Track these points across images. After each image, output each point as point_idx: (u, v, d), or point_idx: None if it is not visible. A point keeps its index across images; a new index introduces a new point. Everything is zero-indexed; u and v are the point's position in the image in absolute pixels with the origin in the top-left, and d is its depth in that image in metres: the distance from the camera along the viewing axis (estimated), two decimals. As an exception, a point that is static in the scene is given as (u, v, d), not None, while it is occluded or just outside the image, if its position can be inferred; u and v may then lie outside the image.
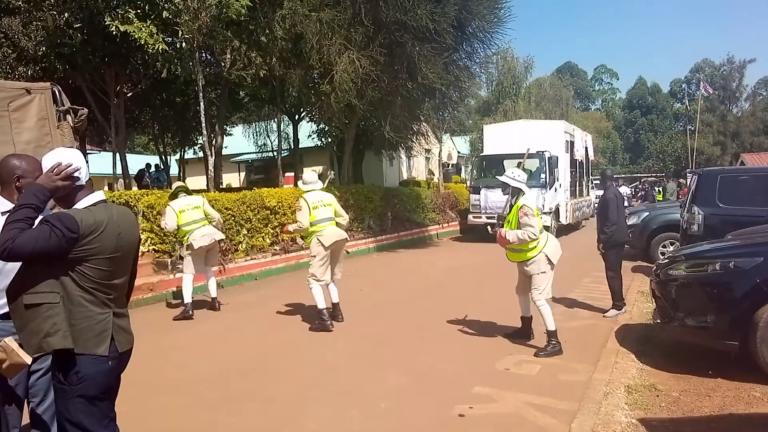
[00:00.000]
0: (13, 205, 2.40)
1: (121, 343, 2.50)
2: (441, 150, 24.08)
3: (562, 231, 17.63)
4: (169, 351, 6.04)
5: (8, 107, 4.24)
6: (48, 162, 2.45)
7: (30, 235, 2.22)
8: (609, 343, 5.99)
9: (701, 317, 5.00)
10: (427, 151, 25.02)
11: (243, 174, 31.33)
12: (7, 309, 2.65)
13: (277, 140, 19.43)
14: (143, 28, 10.09)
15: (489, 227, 14.60)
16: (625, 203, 10.36)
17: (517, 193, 5.86)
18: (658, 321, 5.55)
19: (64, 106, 4.51)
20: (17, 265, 2.38)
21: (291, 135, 22.23)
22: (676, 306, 5.26)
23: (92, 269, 2.35)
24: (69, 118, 4.51)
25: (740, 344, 4.73)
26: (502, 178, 6.00)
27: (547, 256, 5.70)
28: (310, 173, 7.38)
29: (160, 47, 10.21)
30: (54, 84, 4.61)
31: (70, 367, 2.34)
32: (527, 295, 5.97)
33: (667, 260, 5.89)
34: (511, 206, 5.87)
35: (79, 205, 2.45)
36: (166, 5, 10.66)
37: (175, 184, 8.31)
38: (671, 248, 11.13)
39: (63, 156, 2.46)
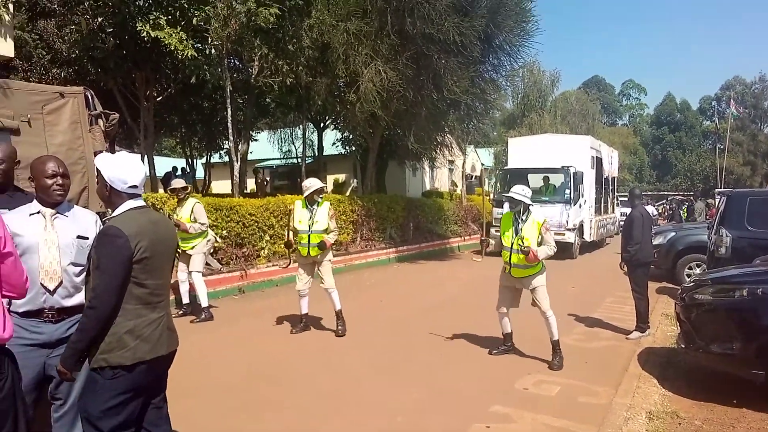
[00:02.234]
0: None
1: (174, 341, 2.67)
2: (465, 162, 24.02)
3: (585, 248, 17.43)
4: (189, 355, 6.07)
5: (42, 110, 4.33)
6: (105, 164, 2.56)
7: (101, 295, 2.38)
8: (631, 366, 5.88)
9: (727, 344, 4.89)
10: (451, 162, 24.97)
11: (267, 179, 31.56)
12: (27, 307, 2.71)
13: (301, 147, 19.55)
14: (173, 34, 10.26)
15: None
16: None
17: (526, 208, 5.83)
18: (683, 346, 5.44)
19: (96, 110, 4.60)
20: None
21: (315, 142, 22.37)
22: (701, 331, 5.15)
23: (140, 275, 2.47)
24: (100, 122, 4.59)
25: (766, 374, 4.60)
26: (513, 195, 5.82)
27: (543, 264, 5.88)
28: (308, 179, 7.19)
29: (190, 53, 10.37)
30: (87, 88, 4.70)
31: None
32: (508, 309, 6.05)
33: (693, 284, 5.77)
34: (517, 221, 5.82)
35: (118, 210, 2.54)
36: (196, 12, 10.83)
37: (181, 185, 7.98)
38: (697, 270, 10.92)
39: (118, 162, 2.57)
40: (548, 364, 5.74)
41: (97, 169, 2.57)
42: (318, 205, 6.83)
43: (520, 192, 5.78)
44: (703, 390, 5.08)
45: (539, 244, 5.68)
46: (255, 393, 4.99)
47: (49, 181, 2.85)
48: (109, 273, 2.36)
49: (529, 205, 5.85)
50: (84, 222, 2.96)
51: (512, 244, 5.78)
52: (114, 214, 2.55)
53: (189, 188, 7.97)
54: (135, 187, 2.56)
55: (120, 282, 2.38)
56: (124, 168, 2.55)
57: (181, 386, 5.00)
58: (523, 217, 5.81)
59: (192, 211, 7.62)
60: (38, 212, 2.86)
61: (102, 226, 2.57)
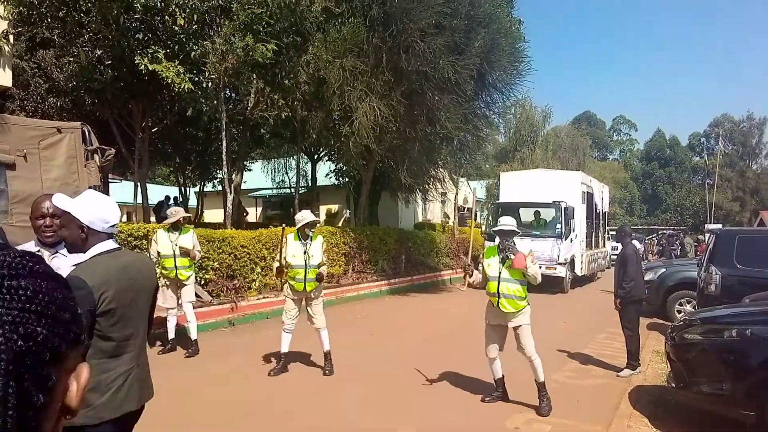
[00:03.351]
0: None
1: (148, 394, 2.56)
2: (457, 194, 24.16)
3: (576, 282, 17.47)
4: (175, 391, 6.00)
5: (39, 145, 4.39)
6: (81, 207, 2.39)
7: None
8: (622, 405, 5.87)
9: (717, 384, 4.90)
10: (443, 194, 25.12)
11: (260, 209, 31.59)
12: None
13: (295, 177, 19.66)
14: (171, 68, 10.38)
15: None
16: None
17: (511, 238, 5.70)
18: (673, 385, 5.44)
19: (92, 145, 4.66)
20: None
21: (309, 173, 22.50)
22: (692, 371, 5.16)
23: (106, 327, 2.32)
24: (96, 157, 4.65)
25: (757, 414, 4.60)
26: (503, 227, 5.66)
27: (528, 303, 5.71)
28: (301, 212, 6.97)
29: (187, 86, 10.49)
30: (84, 124, 4.77)
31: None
32: (498, 352, 5.77)
33: (682, 323, 5.80)
34: (503, 251, 5.63)
35: (87, 254, 2.39)
36: (194, 47, 10.99)
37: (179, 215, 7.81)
38: (688, 307, 10.97)
39: (96, 202, 2.44)
40: (536, 410, 5.53)
41: (69, 215, 2.37)
42: (312, 239, 6.68)
43: (508, 223, 5.71)
44: (694, 430, 5.07)
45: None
46: (243, 429, 4.93)
47: (38, 222, 2.86)
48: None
49: (517, 233, 5.75)
50: (66, 267, 2.91)
51: (500, 273, 5.58)
52: (82, 259, 2.39)
53: (190, 217, 7.92)
54: (113, 226, 2.44)
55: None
56: (105, 208, 2.41)
57: (164, 421, 4.95)
58: (510, 249, 5.60)
59: (193, 239, 7.62)
60: (38, 251, 2.87)
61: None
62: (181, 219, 7.63)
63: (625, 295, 7.22)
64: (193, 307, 7.93)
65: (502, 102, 16.45)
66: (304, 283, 6.62)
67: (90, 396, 2.24)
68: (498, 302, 5.60)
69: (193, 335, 7.69)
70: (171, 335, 7.77)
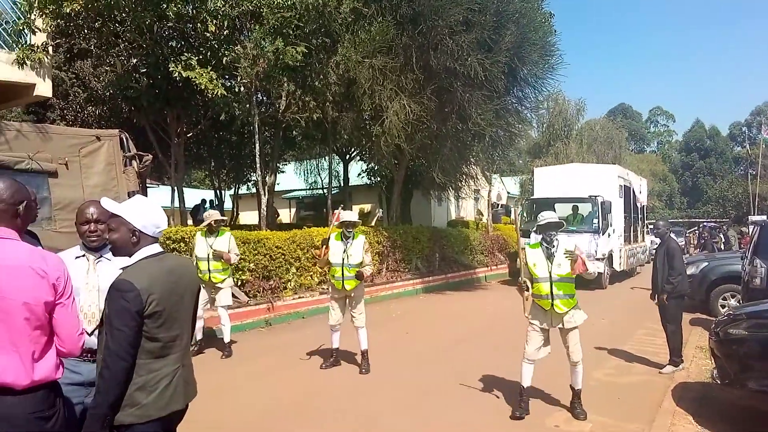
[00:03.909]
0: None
1: (191, 393, 2.61)
2: (490, 191, 23.97)
3: (615, 278, 17.14)
4: (213, 392, 6.10)
5: (79, 153, 4.52)
6: (134, 213, 2.47)
7: (114, 355, 2.27)
8: (665, 402, 5.73)
9: (763, 381, 4.75)
10: (476, 191, 24.95)
11: (293, 210, 31.92)
12: None
13: (327, 178, 19.80)
14: (204, 74, 10.56)
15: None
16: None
17: (557, 231, 5.39)
18: (718, 381, 5.29)
19: (130, 152, 4.78)
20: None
21: (341, 173, 22.63)
22: (737, 367, 5.02)
23: (153, 329, 2.38)
24: (134, 163, 4.77)
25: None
26: (548, 220, 5.32)
27: None
28: (345, 212, 7.13)
29: (220, 92, 10.66)
30: (122, 131, 4.89)
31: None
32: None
33: (726, 318, 5.64)
34: (549, 248, 5.31)
35: (134, 257, 2.46)
36: (226, 52, 11.17)
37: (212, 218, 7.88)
38: (732, 301, 10.65)
39: (148, 208, 2.52)
40: (572, 414, 5.28)
41: (120, 219, 2.44)
42: (353, 238, 6.77)
43: (551, 216, 5.36)
44: (740, 427, 4.93)
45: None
46: (279, 428, 4.99)
47: (83, 228, 2.96)
48: (121, 331, 2.25)
49: (562, 225, 5.39)
50: (112, 270, 2.98)
51: (550, 272, 5.21)
52: (129, 262, 2.46)
53: (225, 220, 7.97)
54: (161, 231, 2.53)
55: (132, 340, 2.28)
56: (155, 213, 2.50)
57: (203, 422, 5.04)
58: (555, 243, 5.31)
59: (229, 243, 7.66)
60: (83, 255, 2.97)
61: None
62: (213, 222, 7.68)
63: (672, 290, 7.04)
64: (228, 310, 8.02)
65: (534, 97, 16.26)
66: (342, 281, 6.69)
67: (137, 395, 2.32)
68: (552, 304, 5.21)
69: (227, 338, 7.78)
70: (199, 336, 7.78)
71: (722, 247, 24.38)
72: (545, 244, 5.35)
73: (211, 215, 7.83)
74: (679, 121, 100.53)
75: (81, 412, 2.80)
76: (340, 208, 7.34)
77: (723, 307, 10.57)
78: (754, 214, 38.49)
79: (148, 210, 2.50)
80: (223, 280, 7.71)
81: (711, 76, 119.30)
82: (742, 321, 5.23)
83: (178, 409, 2.49)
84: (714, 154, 69.60)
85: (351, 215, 6.97)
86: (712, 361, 5.68)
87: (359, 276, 6.72)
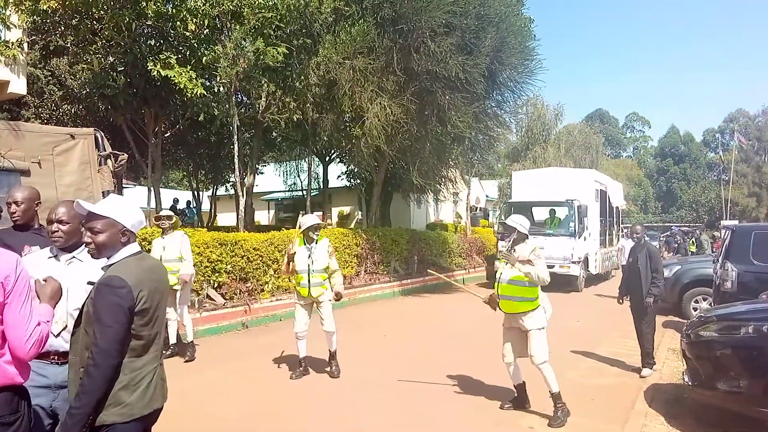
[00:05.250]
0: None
1: (165, 394, 2.57)
2: (469, 194, 24.12)
3: (591, 281, 17.36)
4: (188, 394, 6.03)
5: (53, 151, 4.45)
6: (123, 212, 2.46)
7: (104, 352, 2.24)
8: (638, 403, 5.83)
9: (733, 382, 4.85)
10: (455, 194, 25.08)
11: (272, 212, 31.74)
12: None
13: (307, 180, 19.74)
14: (183, 73, 10.45)
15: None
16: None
17: (521, 239, 5.45)
18: (689, 383, 5.39)
19: (105, 151, 4.72)
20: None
21: (321, 175, 22.57)
22: (708, 369, 5.11)
23: (139, 327, 2.37)
24: (109, 162, 4.71)
25: (775, 412, 4.55)
26: (510, 222, 5.47)
27: (544, 309, 5.40)
28: (304, 216, 6.85)
29: (199, 92, 10.56)
30: (97, 129, 4.83)
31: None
32: (516, 358, 5.47)
33: (698, 320, 5.74)
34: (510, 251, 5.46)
35: (115, 257, 2.45)
36: (205, 52, 11.07)
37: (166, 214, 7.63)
38: (704, 304, 10.86)
39: (130, 206, 2.52)
40: (549, 420, 5.24)
41: (108, 221, 2.43)
42: (316, 243, 6.57)
43: (516, 221, 5.46)
44: (711, 428, 5.02)
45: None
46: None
47: (50, 227, 2.94)
48: (112, 327, 2.23)
49: (526, 236, 5.47)
50: (97, 268, 2.96)
51: (501, 273, 5.45)
52: (111, 261, 2.44)
53: (174, 219, 7.64)
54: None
55: (122, 337, 2.26)
56: (137, 211, 2.52)
57: (176, 427, 4.98)
58: (516, 248, 5.44)
59: (181, 244, 7.30)
60: (55, 256, 2.94)
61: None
62: (155, 220, 7.45)
63: (659, 293, 7.14)
64: (204, 312, 7.89)
65: (513, 101, 16.41)
66: (309, 288, 6.54)
67: (121, 394, 2.31)
68: (503, 304, 5.45)
69: (191, 338, 7.60)
70: (173, 339, 7.65)
71: (685, 251, 24.90)
72: (507, 249, 5.50)
73: (159, 214, 7.54)
74: (654, 127, 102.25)
75: (48, 415, 2.76)
76: (300, 214, 7.09)
77: (695, 309, 10.78)
78: (726, 219, 39.34)
79: (132, 209, 2.51)
80: (174, 284, 7.28)
81: (686, 83, 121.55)
82: (712, 323, 5.32)
83: (159, 407, 2.50)
84: (688, 160, 70.94)
85: (313, 219, 6.68)
86: (684, 362, 5.78)
87: (338, 297, 6.65)
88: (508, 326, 5.52)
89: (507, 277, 5.38)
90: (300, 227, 6.62)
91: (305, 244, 6.57)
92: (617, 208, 21.71)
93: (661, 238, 32.30)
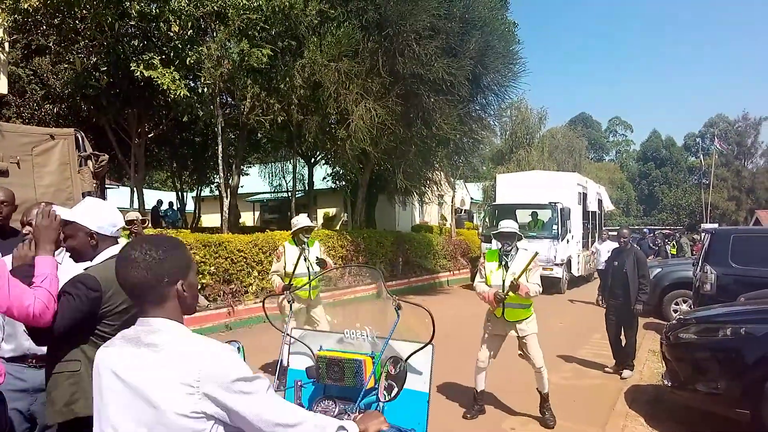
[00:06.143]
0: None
1: None
2: (454, 196, 24.19)
3: (573, 283, 17.50)
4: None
5: (32, 152, 4.39)
6: (88, 215, 2.43)
7: (68, 305, 2.22)
8: (618, 404, 5.89)
9: (712, 383, 4.92)
10: (440, 197, 25.15)
11: (257, 213, 31.58)
12: (12, 353, 2.73)
13: (292, 181, 19.67)
14: (166, 74, 10.38)
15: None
16: None
17: (515, 242, 5.35)
18: (669, 384, 5.46)
19: (86, 151, 4.66)
20: None
21: (306, 177, 22.49)
22: (687, 370, 5.18)
23: (109, 326, 2.30)
24: (90, 163, 4.65)
25: (752, 413, 4.62)
26: (503, 230, 5.34)
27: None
28: (297, 216, 6.75)
29: (182, 93, 10.48)
30: (77, 130, 4.76)
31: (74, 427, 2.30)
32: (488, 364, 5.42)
33: (677, 322, 5.82)
34: (505, 257, 5.31)
35: (98, 258, 2.43)
36: (189, 53, 11.00)
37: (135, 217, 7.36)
38: (684, 306, 11.00)
39: (100, 208, 2.49)
40: (540, 421, 5.33)
41: (75, 225, 2.41)
42: (308, 245, 6.45)
43: (509, 225, 5.38)
44: (690, 429, 5.09)
45: (526, 279, 5.14)
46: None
47: (24, 229, 2.95)
48: (65, 320, 2.20)
49: (520, 237, 5.39)
50: (70, 274, 2.91)
51: (504, 281, 5.21)
52: (95, 262, 2.41)
53: (147, 222, 7.22)
54: (119, 229, 2.49)
55: (72, 324, 2.22)
56: (108, 212, 2.47)
57: None
58: (512, 252, 5.33)
59: None
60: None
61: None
62: (126, 224, 7.01)
63: (648, 299, 7.20)
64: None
65: (497, 104, 16.54)
66: (309, 290, 6.41)
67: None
68: (503, 312, 5.26)
69: None
70: None
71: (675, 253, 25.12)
72: (501, 253, 5.37)
73: (128, 215, 7.23)
74: (636, 132, 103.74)
75: (26, 419, 2.72)
76: (296, 216, 6.98)
77: (675, 312, 10.90)
78: (706, 222, 39.84)
79: (101, 211, 2.47)
80: None
81: (668, 88, 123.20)
82: (691, 326, 5.39)
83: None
84: (669, 164, 71.86)
85: (306, 220, 6.59)
86: (664, 364, 5.85)
87: (321, 263, 6.41)
88: (497, 333, 5.39)
89: (512, 284, 5.13)
90: (293, 227, 6.52)
91: (296, 244, 6.47)
92: (600, 211, 21.89)
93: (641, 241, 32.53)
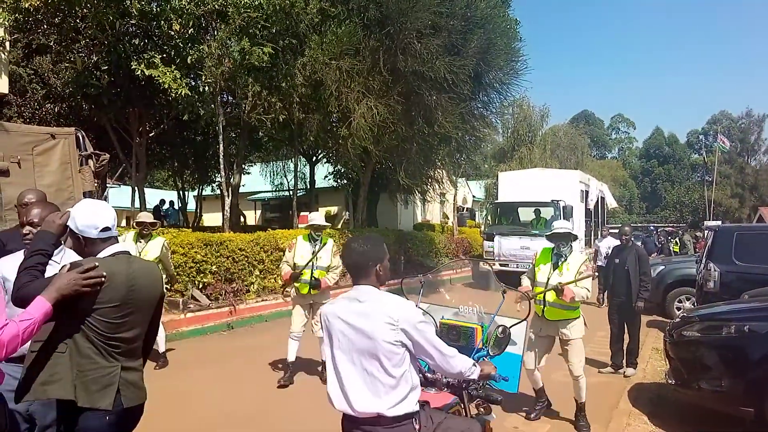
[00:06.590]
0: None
1: (128, 398, 2.41)
2: (456, 194, 24.16)
3: (576, 280, 17.46)
4: (173, 396, 5.98)
5: (32, 151, 4.38)
6: (72, 218, 2.46)
7: (41, 284, 2.26)
8: (621, 402, 5.87)
9: (715, 381, 4.90)
10: (442, 195, 25.13)
11: (259, 212, 31.59)
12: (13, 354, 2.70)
13: (293, 180, 19.66)
14: (168, 73, 10.36)
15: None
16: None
17: (570, 242, 5.26)
18: (672, 382, 5.44)
19: (86, 151, 4.66)
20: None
21: (307, 175, 22.49)
22: (690, 368, 5.16)
23: (99, 321, 2.32)
24: (91, 162, 4.64)
25: (756, 411, 4.60)
26: (557, 230, 5.27)
27: (583, 318, 5.26)
28: (314, 213, 7.01)
29: (183, 92, 10.47)
30: (78, 129, 4.76)
31: (73, 420, 2.31)
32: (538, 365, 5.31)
33: (680, 320, 5.80)
34: (558, 256, 5.26)
35: (100, 255, 2.45)
36: (190, 51, 10.98)
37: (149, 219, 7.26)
38: (687, 304, 10.96)
39: (83, 210, 2.49)
40: (574, 425, 5.24)
41: (67, 228, 2.48)
42: (321, 242, 6.57)
43: (563, 226, 5.31)
44: (694, 426, 5.07)
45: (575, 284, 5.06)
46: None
47: (23, 229, 2.95)
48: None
49: (575, 237, 5.33)
50: None
51: (548, 279, 5.18)
52: (99, 256, 2.43)
53: (157, 225, 7.22)
54: (108, 229, 2.47)
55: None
56: (90, 213, 2.46)
57: (158, 428, 4.93)
58: (566, 252, 5.24)
59: (161, 250, 6.96)
60: None
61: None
62: (136, 224, 7.15)
63: (650, 297, 7.19)
64: (192, 312, 7.81)
65: (499, 102, 16.45)
66: (309, 285, 6.47)
67: (88, 385, 2.33)
68: (543, 310, 5.21)
69: (161, 348, 7.18)
70: (162, 348, 7.26)
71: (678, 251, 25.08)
72: (555, 253, 5.31)
73: (140, 216, 7.22)
74: (639, 129, 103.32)
75: (26, 419, 2.72)
76: (309, 213, 7.16)
77: (679, 309, 10.87)
78: (709, 220, 39.77)
79: (82, 213, 2.47)
80: None
81: (671, 85, 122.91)
82: (695, 323, 5.37)
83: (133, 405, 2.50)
84: (672, 161, 71.70)
85: (319, 218, 6.84)
86: (667, 362, 5.83)
87: (315, 285, 6.45)
88: (544, 335, 5.31)
89: (562, 282, 5.07)
90: (310, 222, 6.76)
91: (310, 241, 6.63)
92: (604, 208, 21.86)
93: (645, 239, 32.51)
